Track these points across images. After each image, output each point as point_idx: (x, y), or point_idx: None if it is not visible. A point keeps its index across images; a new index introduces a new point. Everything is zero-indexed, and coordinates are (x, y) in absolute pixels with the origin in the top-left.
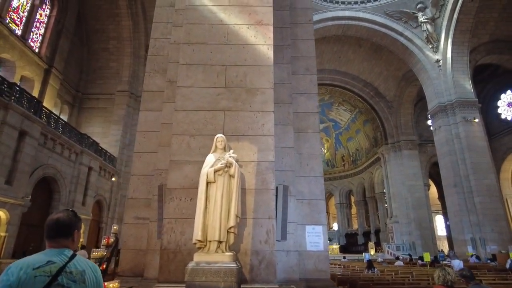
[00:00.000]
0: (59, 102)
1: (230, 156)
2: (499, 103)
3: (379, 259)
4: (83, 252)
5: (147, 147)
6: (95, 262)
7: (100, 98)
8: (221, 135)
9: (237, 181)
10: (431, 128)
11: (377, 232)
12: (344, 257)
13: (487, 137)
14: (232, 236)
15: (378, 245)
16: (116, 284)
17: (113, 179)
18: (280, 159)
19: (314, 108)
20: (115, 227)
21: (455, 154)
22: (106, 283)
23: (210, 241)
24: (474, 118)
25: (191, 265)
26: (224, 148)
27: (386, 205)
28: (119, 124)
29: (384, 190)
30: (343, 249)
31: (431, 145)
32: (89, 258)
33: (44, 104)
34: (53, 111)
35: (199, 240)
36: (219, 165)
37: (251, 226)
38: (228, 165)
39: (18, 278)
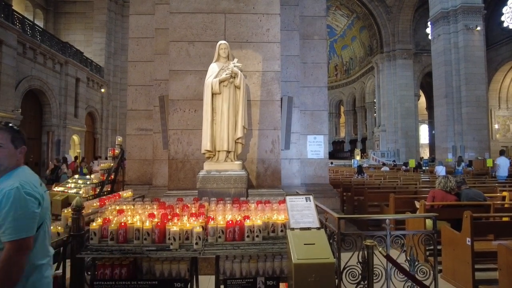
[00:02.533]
0: (30, 6)
1: (234, 66)
2: (504, 9)
3: (365, 165)
4: None
5: (141, 55)
6: (104, 173)
7: (76, 1)
8: (224, 41)
9: (243, 92)
10: (430, 37)
11: (364, 140)
12: (332, 163)
13: (485, 46)
14: (239, 146)
15: (363, 152)
16: (130, 193)
17: (102, 90)
18: (284, 68)
19: (321, 11)
20: (119, 139)
21: (450, 65)
22: (120, 193)
23: (218, 151)
24: (476, 27)
25: (202, 173)
26: (228, 56)
27: (375, 114)
28: (101, 31)
29: (375, 100)
30: (330, 156)
31: (426, 54)
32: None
33: (14, 7)
34: (26, 16)
35: (208, 150)
36: (224, 75)
37: (257, 137)
38: (233, 76)
39: (41, 195)
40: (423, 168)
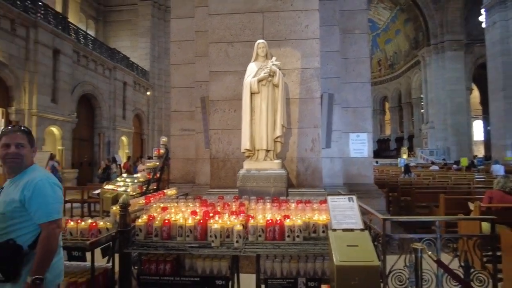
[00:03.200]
0: (83, 17)
1: (273, 64)
2: None
3: (412, 164)
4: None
5: (183, 58)
6: (149, 172)
7: (123, 10)
8: (262, 40)
9: (281, 90)
10: (483, 25)
11: (410, 138)
12: (377, 162)
13: None
14: (278, 145)
15: (410, 150)
16: (174, 191)
17: (148, 93)
18: (324, 65)
19: (362, 4)
20: (164, 139)
21: (508, 54)
22: (164, 191)
23: (258, 150)
24: None
25: (242, 172)
26: (266, 55)
27: (422, 110)
28: (146, 36)
29: (422, 96)
30: (375, 155)
31: (479, 44)
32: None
33: (69, 19)
34: (79, 26)
35: (247, 149)
36: (262, 74)
37: (297, 135)
38: (272, 74)
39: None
40: (477, 167)
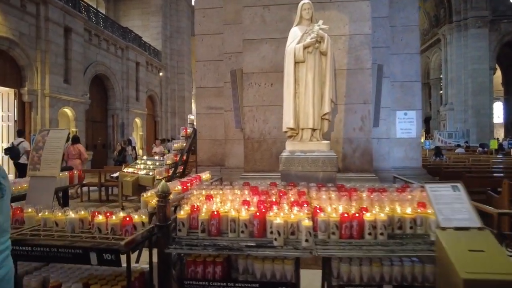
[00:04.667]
0: None
1: (320, 28)
2: None
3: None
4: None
5: (208, 28)
6: (177, 154)
7: None
8: (307, 1)
9: (330, 59)
10: None
11: (427, 120)
12: None
13: None
14: (326, 123)
15: (427, 132)
16: (208, 175)
17: (161, 73)
18: (371, 32)
19: None
20: (191, 117)
21: None
22: (200, 175)
23: (302, 129)
24: None
25: (285, 154)
26: (311, 18)
27: (441, 91)
28: (157, 15)
29: (441, 76)
30: None
31: (506, 21)
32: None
33: None
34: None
35: (290, 128)
36: (308, 39)
37: (343, 112)
38: (319, 40)
39: None
40: (505, 149)
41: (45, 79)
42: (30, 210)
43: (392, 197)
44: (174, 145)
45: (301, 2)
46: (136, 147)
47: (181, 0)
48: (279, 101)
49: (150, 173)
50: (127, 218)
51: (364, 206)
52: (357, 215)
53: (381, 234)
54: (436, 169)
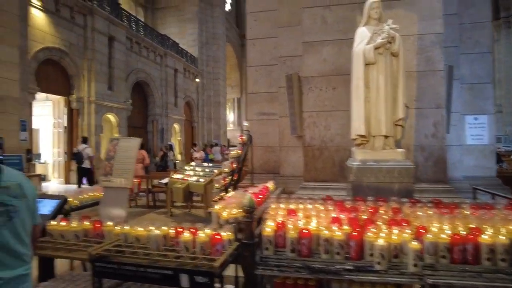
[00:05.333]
0: (133, 5)
1: (390, 28)
2: None
3: None
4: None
5: (260, 32)
6: (233, 162)
7: None
8: None
9: (402, 60)
10: None
11: None
12: None
13: None
14: (399, 129)
15: None
16: (272, 184)
17: (197, 79)
18: (443, 31)
19: None
20: (246, 124)
21: None
22: (266, 185)
23: (374, 136)
24: None
25: (355, 163)
26: (380, 18)
27: None
28: (194, 22)
29: None
30: None
31: None
32: (222, 157)
33: (121, 6)
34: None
35: (361, 136)
36: (379, 40)
37: (414, 118)
38: (390, 40)
39: None
40: None
41: (91, 86)
42: (109, 223)
43: (503, 216)
44: (231, 152)
45: (369, 1)
46: (175, 152)
47: (216, 6)
48: (342, 106)
49: (201, 180)
50: (218, 237)
51: (473, 226)
52: (469, 237)
53: (503, 260)
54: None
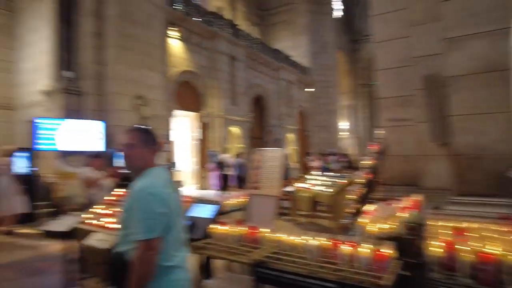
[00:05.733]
0: (249, 24)
1: None
2: None
3: None
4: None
5: (386, 33)
6: (367, 172)
7: (280, 11)
8: None
9: None
10: None
11: None
12: None
13: None
14: None
15: None
16: (421, 198)
17: (310, 89)
18: None
19: None
20: (380, 132)
21: None
22: (416, 199)
23: None
24: None
25: None
26: None
27: None
28: (305, 33)
29: None
30: None
31: None
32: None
33: (239, 28)
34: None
35: None
36: None
37: None
38: None
39: (167, 196)
40: None
41: (218, 103)
42: (267, 230)
43: None
44: (362, 162)
45: None
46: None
47: (326, 15)
48: (501, 107)
49: (329, 190)
50: (382, 254)
51: None
52: None
53: None
54: None
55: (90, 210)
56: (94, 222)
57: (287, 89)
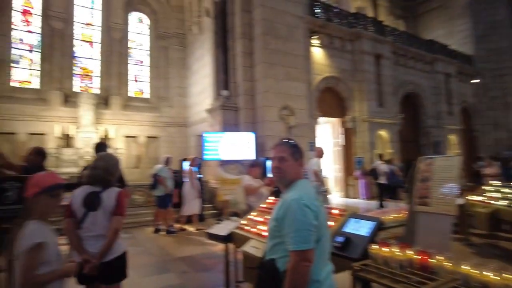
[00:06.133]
0: (393, 19)
1: None
2: None
3: None
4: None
5: None
6: None
7: None
8: None
9: None
10: None
11: None
12: None
13: None
14: None
15: None
16: None
17: (475, 81)
18: None
19: None
20: None
21: None
22: None
23: None
24: None
25: None
26: None
27: None
28: (463, 17)
29: None
30: None
31: None
32: None
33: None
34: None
35: None
36: None
37: None
38: None
39: (318, 208)
40: None
41: (362, 105)
42: (441, 257)
43: None
44: None
45: None
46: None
47: None
48: None
49: None
50: None
51: None
52: None
53: None
54: None
55: (248, 216)
56: (250, 228)
57: (445, 83)
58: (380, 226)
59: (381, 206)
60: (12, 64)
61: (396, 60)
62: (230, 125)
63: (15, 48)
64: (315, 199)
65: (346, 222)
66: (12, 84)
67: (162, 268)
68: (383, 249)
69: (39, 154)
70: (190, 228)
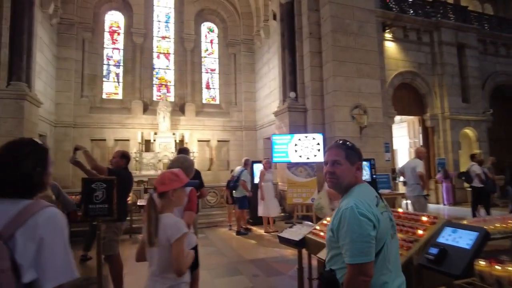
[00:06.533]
0: (477, 3)
1: None
2: None
3: None
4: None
5: None
6: None
7: None
8: None
9: None
10: None
11: None
12: None
13: None
14: None
15: None
16: None
17: None
18: None
19: None
20: None
21: None
22: None
23: None
24: None
25: None
26: None
27: None
28: None
29: None
30: None
31: None
32: None
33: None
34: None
35: None
36: None
37: None
38: None
39: (376, 216)
40: None
41: (444, 102)
42: None
43: None
44: None
45: None
46: None
47: None
48: None
49: None
50: None
51: None
52: None
53: None
54: None
55: (322, 222)
56: (325, 234)
57: None
58: (486, 238)
59: (474, 214)
60: (103, 79)
61: (483, 49)
62: (297, 127)
63: (105, 64)
64: (374, 206)
65: (440, 232)
66: (103, 96)
67: (233, 269)
68: (496, 266)
69: (124, 157)
70: (260, 230)
